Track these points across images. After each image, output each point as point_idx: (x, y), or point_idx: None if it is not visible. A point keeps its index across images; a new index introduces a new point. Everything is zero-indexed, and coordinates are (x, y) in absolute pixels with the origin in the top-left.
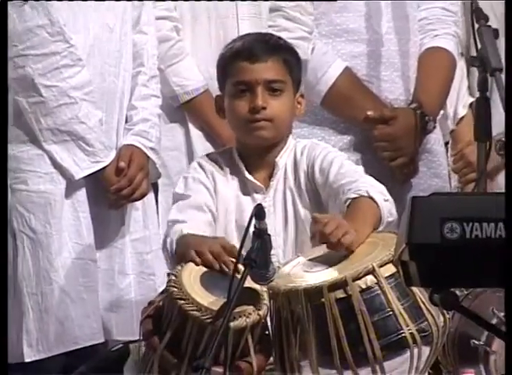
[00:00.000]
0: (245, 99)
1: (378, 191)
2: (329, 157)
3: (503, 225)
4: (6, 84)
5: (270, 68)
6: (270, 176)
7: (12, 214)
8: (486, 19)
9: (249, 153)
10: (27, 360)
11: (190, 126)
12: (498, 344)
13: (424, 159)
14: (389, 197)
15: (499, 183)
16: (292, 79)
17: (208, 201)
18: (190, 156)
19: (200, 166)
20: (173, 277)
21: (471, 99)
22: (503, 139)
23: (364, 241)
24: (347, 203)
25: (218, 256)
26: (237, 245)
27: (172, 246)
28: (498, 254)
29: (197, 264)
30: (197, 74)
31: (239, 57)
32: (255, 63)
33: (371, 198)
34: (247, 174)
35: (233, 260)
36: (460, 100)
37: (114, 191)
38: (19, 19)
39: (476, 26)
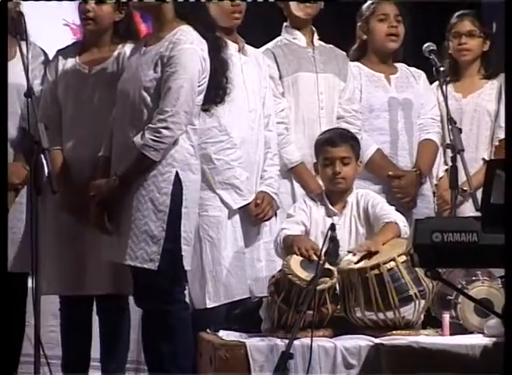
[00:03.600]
0: (329, 168)
1: (401, 220)
2: (377, 199)
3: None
4: (6, 85)
5: (343, 150)
6: (343, 208)
7: (199, 228)
8: (455, 122)
9: (331, 195)
10: (208, 306)
11: (293, 181)
12: (461, 298)
13: (419, 199)
14: (406, 224)
15: (462, 211)
16: (355, 155)
17: (304, 220)
18: (294, 197)
19: (304, 201)
20: (285, 262)
21: (446, 167)
22: (462, 187)
23: (386, 243)
24: (382, 225)
25: (308, 250)
26: (320, 244)
27: (280, 242)
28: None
29: (298, 255)
30: (297, 153)
31: (326, 144)
32: (335, 147)
33: (396, 223)
34: (330, 206)
35: (317, 253)
36: (439, 168)
37: (254, 216)
38: (202, 122)
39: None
